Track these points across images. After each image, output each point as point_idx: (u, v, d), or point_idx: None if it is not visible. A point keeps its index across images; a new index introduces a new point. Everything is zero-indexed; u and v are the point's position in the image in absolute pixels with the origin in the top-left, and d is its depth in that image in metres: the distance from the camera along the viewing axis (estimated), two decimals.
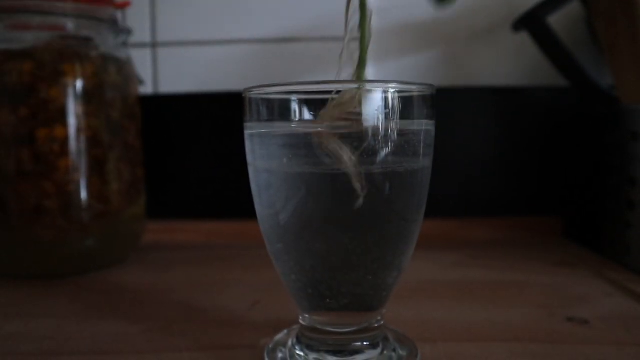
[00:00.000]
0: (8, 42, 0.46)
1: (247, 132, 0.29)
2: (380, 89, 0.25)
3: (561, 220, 0.61)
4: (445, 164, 0.62)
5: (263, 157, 0.28)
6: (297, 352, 0.30)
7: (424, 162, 0.28)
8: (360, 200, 0.25)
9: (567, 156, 0.60)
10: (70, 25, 0.47)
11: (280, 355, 0.30)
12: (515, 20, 0.55)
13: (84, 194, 0.47)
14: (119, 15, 0.53)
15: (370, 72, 0.64)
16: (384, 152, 0.26)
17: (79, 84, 0.46)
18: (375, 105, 0.25)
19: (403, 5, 0.63)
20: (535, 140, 0.62)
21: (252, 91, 0.27)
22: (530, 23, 0.54)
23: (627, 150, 0.47)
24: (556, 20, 0.56)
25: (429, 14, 0.63)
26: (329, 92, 0.25)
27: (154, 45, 0.65)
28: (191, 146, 0.64)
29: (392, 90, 0.25)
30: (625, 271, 0.47)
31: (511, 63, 0.63)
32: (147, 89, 0.64)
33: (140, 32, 0.63)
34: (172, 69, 0.65)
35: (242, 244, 0.58)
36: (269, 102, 0.27)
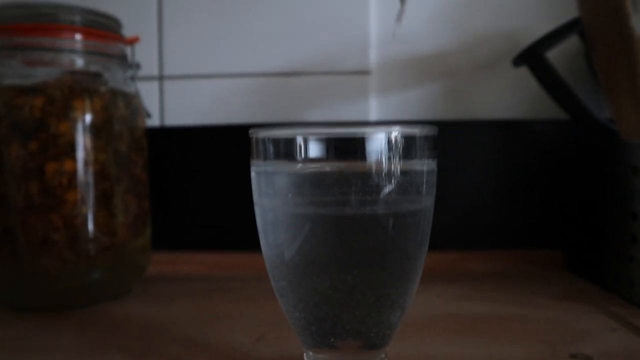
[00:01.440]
0: (21, 78, 0.47)
1: (253, 171, 0.29)
2: (384, 132, 0.26)
3: (564, 253, 0.61)
4: (447, 197, 0.62)
5: (269, 196, 0.28)
6: None
7: (427, 201, 0.28)
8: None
9: (569, 189, 0.60)
10: (80, 61, 0.49)
11: None
12: (516, 56, 0.57)
13: (90, 227, 0.47)
14: (127, 50, 0.54)
15: (373, 106, 0.65)
16: (387, 192, 0.26)
17: (88, 118, 0.47)
18: (378, 147, 0.26)
19: (406, 39, 0.64)
20: (537, 172, 0.63)
21: (259, 132, 0.28)
22: (530, 58, 0.55)
23: (628, 184, 0.48)
24: (555, 54, 0.57)
25: (431, 48, 0.64)
26: (335, 135, 0.26)
27: (160, 78, 0.66)
28: (196, 178, 0.65)
29: (395, 134, 0.26)
30: (629, 306, 0.47)
31: (512, 96, 0.64)
32: (153, 121, 0.65)
33: (148, 65, 0.65)
34: (178, 102, 0.66)
35: (245, 276, 0.58)
36: (275, 142, 0.28)
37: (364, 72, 0.64)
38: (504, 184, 0.63)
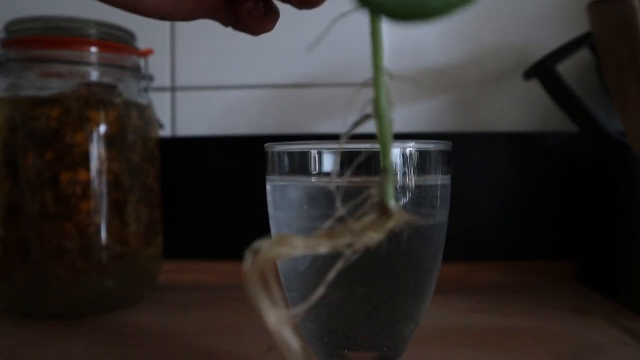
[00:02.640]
0: (37, 89, 0.47)
1: (268, 185, 0.30)
2: (398, 148, 0.26)
3: (576, 265, 0.61)
4: (457, 208, 0.62)
5: (284, 209, 0.29)
6: None
7: (441, 216, 0.28)
8: None
9: (581, 201, 0.60)
10: (95, 73, 0.49)
11: None
12: (526, 69, 0.57)
13: (103, 235, 0.48)
14: (141, 61, 0.55)
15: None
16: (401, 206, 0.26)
17: (103, 129, 0.48)
18: (393, 161, 0.26)
19: (416, 51, 0.64)
20: (547, 183, 0.63)
21: (274, 146, 0.28)
22: (541, 72, 0.55)
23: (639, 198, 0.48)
24: (566, 65, 0.57)
25: (441, 61, 0.64)
26: (350, 149, 0.26)
27: (173, 89, 0.67)
28: (206, 187, 0.65)
29: (410, 149, 0.26)
30: None
31: (522, 109, 0.64)
32: (165, 131, 0.65)
33: (160, 76, 0.65)
34: (190, 112, 0.67)
35: None
36: (290, 156, 0.28)
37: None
38: (514, 195, 0.63)
